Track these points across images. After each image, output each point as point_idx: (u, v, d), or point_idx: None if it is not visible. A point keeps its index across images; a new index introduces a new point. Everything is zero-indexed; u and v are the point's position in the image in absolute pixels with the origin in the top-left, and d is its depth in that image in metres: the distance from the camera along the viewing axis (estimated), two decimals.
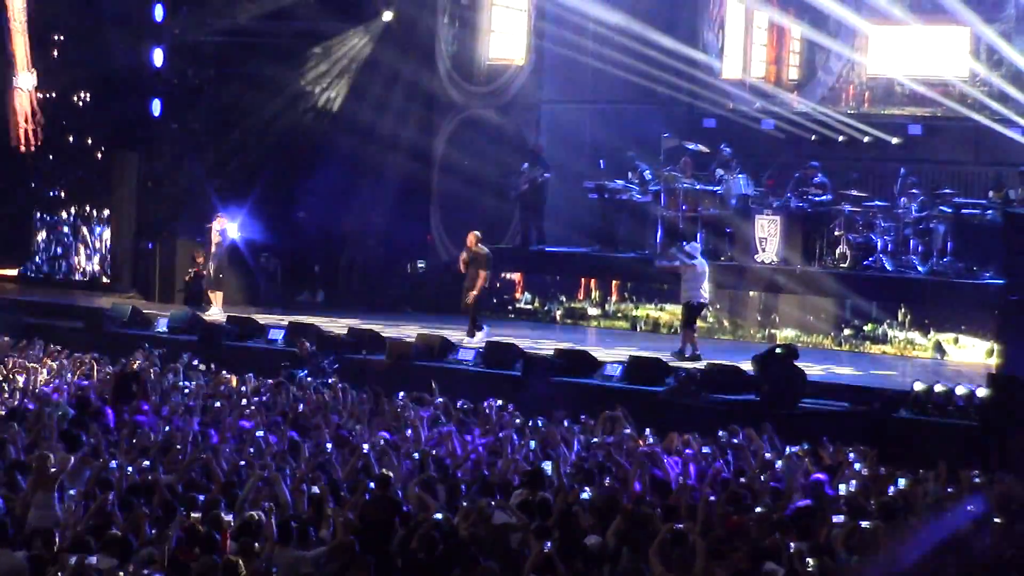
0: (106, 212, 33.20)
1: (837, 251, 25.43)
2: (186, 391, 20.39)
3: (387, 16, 31.00)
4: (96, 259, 33.58)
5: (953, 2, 25.96)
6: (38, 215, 34.41)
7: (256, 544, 12.32)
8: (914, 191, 25.15)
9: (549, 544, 12.24)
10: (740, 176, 26.71)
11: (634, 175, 27.73)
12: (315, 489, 14.16)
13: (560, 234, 28.76)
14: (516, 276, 29.88)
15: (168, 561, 12.05)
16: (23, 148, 33.72)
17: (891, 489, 15.13)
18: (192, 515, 13.12)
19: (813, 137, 27.54)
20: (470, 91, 31.00)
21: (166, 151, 31.09)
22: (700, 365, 22.40)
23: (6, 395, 20.28)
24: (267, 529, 12.57)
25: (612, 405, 19.15)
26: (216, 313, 28.35)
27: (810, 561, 12.06)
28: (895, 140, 26.98)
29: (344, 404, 19.68)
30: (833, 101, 28.11)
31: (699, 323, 24.81)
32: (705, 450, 16.70)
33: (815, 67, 28.46)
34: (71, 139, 33.72)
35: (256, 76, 30.25)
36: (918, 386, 20.12)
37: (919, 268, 24.86)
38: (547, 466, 15.44)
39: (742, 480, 15.17)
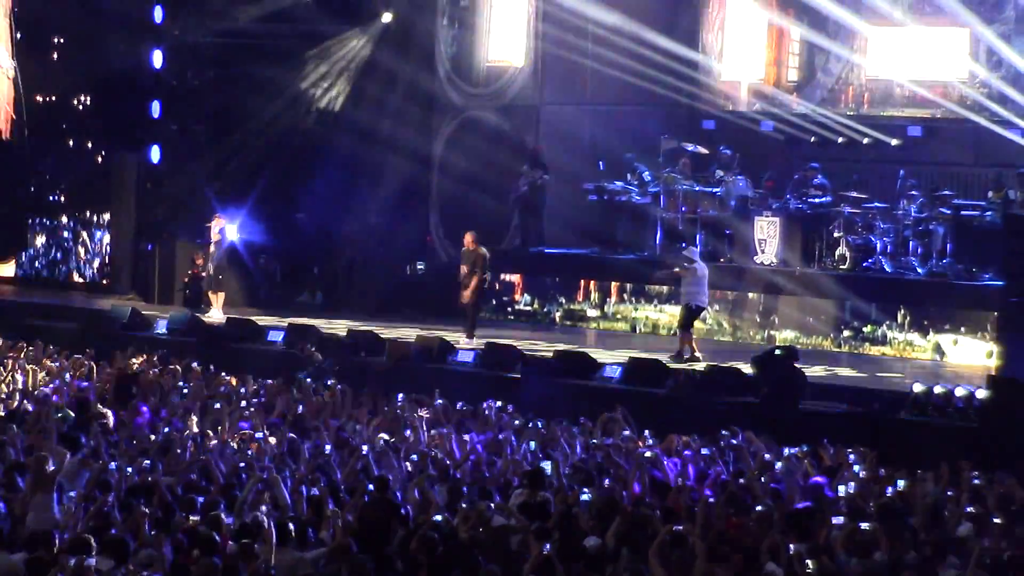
0: (106, 214, 33.21)
1: (836, 252, 25.43)
2: (184, 392, 20.40)
3: (386, 18, 31.03)
4: (95, 261, 33.59)
5: (952, 3, 25.95)
6: (38, 220, 34.43)
7: (255, 546, 12.31)
8: (913, 193, 25.14)
9: (548, 546, 12.24)
10: (739, 178, 26.71)
11: (633, 177, 27.72)
12: (314, 491, 14.16)
13: (559, 236, 28.75)
14: (515, 278, 29.86)
15: (168, 563, 12.06)
16: (6, 135, 33.59)
17: (889, 490, 15.13)
18: (191, 517, 13.13)
19: (812, 138, 27.51)
20: (469, 93, 31.00)
21: (165, 152, 31.09)
22: (700, 367, 22.40)
23: (5, 396, 20.27)
24: (266, 531, 12.56)
25: (612, 407, 19.16)
26: (216, 315, 28.35)
27: (809, 563, 12.06)
28: (894, 141, 26.95)
29: (343, 406, 19.69)
30: (832, 102, 28.08)
31: (699, 325, 24.82)
32: (704, 452, 16.71)
33: (814, 68, 28.42)
34: (71, 142, 33.73)
35: (255, 77, 30.25)
36: (917, 387, 20.10)
37: (918, 269, 24.86)
38: (547, 466, 15.46)
39: (741, 481, 15.16)
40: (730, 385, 21.35)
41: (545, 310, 29.41)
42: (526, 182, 28.39)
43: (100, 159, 33.36)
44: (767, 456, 16.81)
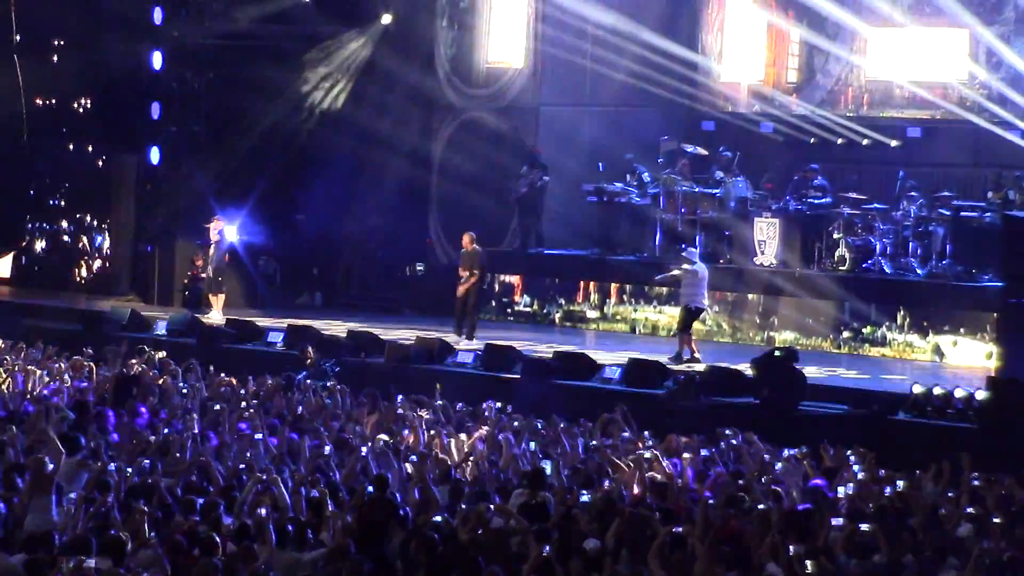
0: (106, 216, 33.20)
1: (836, 254, 25.43)
2: (184, 392, 20.38)
3: (386, 19, 31.04)
4: (95, 263, 33.58)
5: (952, 4, 25.96)
6: (37, 223, 34.43)
7: (255, 547, 12.31)
8: (913, 194, 25.15)
9: (548, 548, 12.23)
10: (739, 179, 26.71)
11: (633, 178, 27.71)
12: (314, 492, 14.15)
13: (559, 237, 28.75)
14: (515, 279, 29.87)
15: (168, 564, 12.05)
16: None
17: (889, 491, 15.12)
18: (190, 518, 13.12)
19: (812, 140, 27.53)
20: (469, 94, 31.01)
21: (165, 154, 31.08)
22: (699, 368, 22.40)
23: (5, 397, 20.25)
24: (266, 532, 12.56)
25: (611, 407, 19.15)
26: (216, 316, 28.33)
27: (809, 564, 12.05)
28: (894, 143, 26.96)
29: (343, 406, 19.68)
30: (832, 104, 28.10)
31: (698, 326, 24.81)
32: (704, 453, 16.70)
33: (814, 70, 28.44)
34: (71, 144, 33.72)
35: (255, 79, 30.25)
36: (917, 389, 20.12)
37: (918, 271, 24.86)
38: (547, 466, 15.45)
39: (741, 483, 15.16)
40: (730, 386, 21.36)
41: (545, 311, 29.40)
42: (526, 183, 28.39)
43: (100, 161, 33.34)
44: (767, 457, 16.81)
